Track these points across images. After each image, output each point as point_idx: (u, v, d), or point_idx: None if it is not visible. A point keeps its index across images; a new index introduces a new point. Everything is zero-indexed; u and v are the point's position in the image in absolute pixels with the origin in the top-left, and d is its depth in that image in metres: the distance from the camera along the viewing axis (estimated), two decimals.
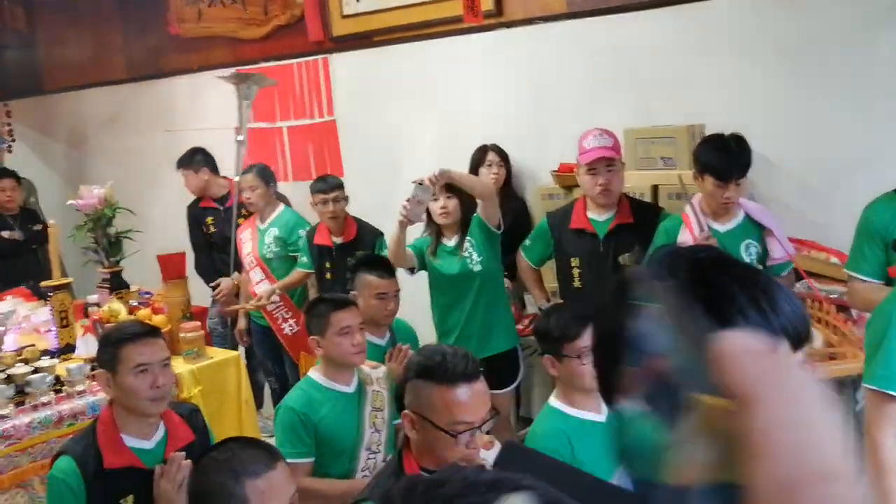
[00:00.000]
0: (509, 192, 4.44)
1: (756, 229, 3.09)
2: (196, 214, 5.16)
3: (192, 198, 5.22)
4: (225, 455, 1.64)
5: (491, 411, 1.82)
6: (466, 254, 3.57)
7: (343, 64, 5.35)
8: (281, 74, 5.66)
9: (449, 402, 1.74)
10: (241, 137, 5.04)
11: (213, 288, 4.88)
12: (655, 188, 3.69)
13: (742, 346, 0.63)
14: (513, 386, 3.78)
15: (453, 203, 3.55)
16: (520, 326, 4.03)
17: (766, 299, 0.83)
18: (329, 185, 4.16)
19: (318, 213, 4.18)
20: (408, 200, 3.32)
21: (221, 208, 5.10)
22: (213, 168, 5.16)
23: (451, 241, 3.63)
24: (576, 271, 3.46)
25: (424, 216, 3.50)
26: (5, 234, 5.59)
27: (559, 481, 0.93)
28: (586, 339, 2.19)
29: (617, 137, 3.42)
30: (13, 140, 6.57)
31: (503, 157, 4.36)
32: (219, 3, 5.94)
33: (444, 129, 4.89)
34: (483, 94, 4.71)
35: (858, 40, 3.42)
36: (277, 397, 4.90)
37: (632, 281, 0.86)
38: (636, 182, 3.68)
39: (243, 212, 4.97)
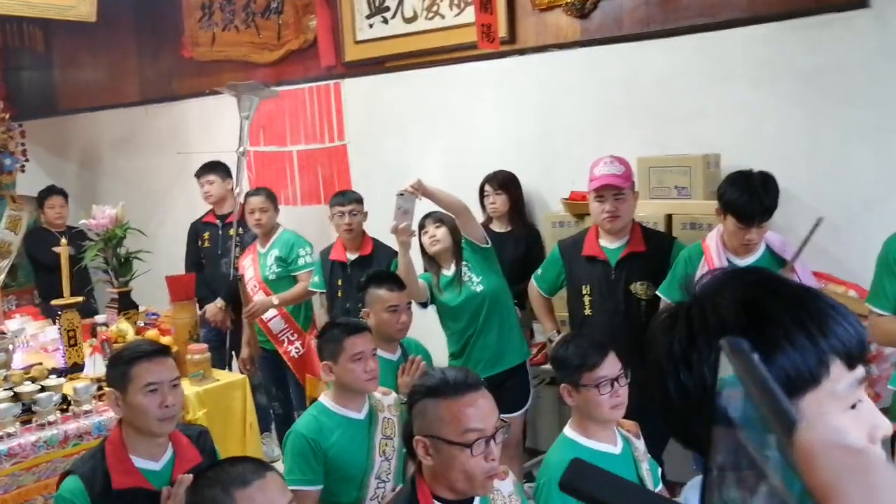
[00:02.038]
0: (521, 221, 4.42)
1: (777, 263, 3.05)
2: (197, 229, 5.17)
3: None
4: (214, 472, 1.63)
5: (501, 422, 1.80)
6: (466, 279, 3.57)
7: (355, 89, 5.37)
8: (292, 99, 5.69)
9: (457, 412, 1.73)
10: (241, 150, 5.06)
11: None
12: (669, 217, 3.67)
13: (828, 441, 0.59)
14: (523, 409, 3.75)
15: (442, 231, 3.57)
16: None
17: (815, 321, 0.81)
18: (347, 199, 4.18)
19: (334, 227, 4.17)
20: (394, 214, 3.42)
21: (220, 224, 5.10)
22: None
23: (449, 272, 3.63)
24: (587, 299, 3.44)
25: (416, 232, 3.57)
26: (56, 249, 5.64)
27: (627, 499, 0.90)
28: (605, 369, 2.17)
29: (629, 165, 3.41)
30: (27, 160, 6.58)
31: (503, 185, 4.34)
32: (233, 27, 5.99)
33: (455, 156, 4.89)
34: (494, 121, 4.71)
35: (877, 71, 3.40)
36: (281, 422, 4.86)
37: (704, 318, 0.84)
38: (650, 211, 3.66)
39: (240, 231, 4.97)
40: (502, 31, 4.35)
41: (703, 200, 3.60)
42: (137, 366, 2.19)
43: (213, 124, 6.02)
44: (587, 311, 3.42)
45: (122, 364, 2.21)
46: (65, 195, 6.01)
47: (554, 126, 4.46)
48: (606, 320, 3.29)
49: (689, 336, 0.85)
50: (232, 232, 4.99)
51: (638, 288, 3.32)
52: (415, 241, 3.69)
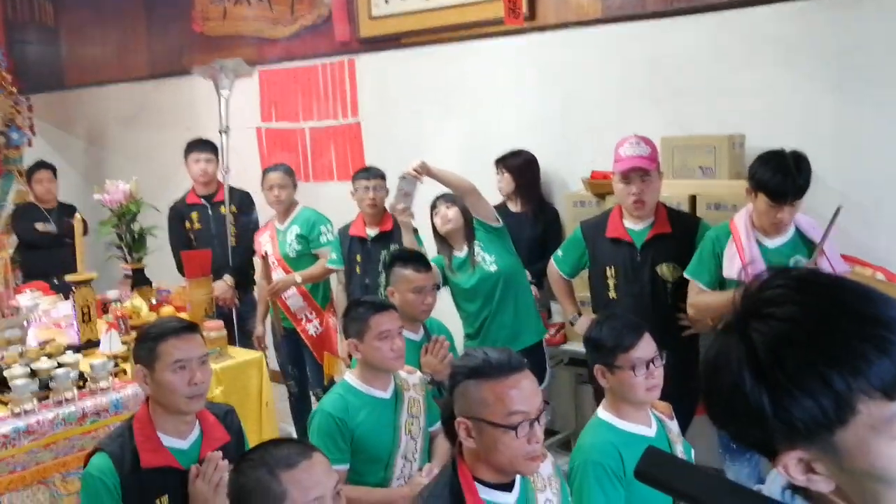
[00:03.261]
0: (537, 200, 4.38)
1: (807, 245, 2.99)
2: (181, 211, 5.05)
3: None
4: (259, 453, 1.59)
5: (544, 404, 1.77)
6: (479, 258, 3.53)
7: (369, 65, 5.30)
8: (306, 75, 5.63)
9: (501, 394, 1.70)
10: (223, 129, 4.99)
11: None
12: (693, 198, 3.62)
13: None
14: (542, 387, 3.71)
15: (453, 211, 3.54)
16: (546, 336, 3.97)
17: (845, 362, 0.79)
18: (371, 174, 4.13)
19: (357, 202, 4.12)
20: (395, 194, 3.48)
21: (208, 205, 5.03)
22: None
23: (461, 253, 3.59)
24: (611, 281, 3.40)
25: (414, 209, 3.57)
26: (39, 226, 5.58)
27: (704, 487, 0.87)
28: (640, 350, 2.13)
29: (655, 146, 3.35)
30: (34, 134, 6.53)
31: (507, 165, 4.33)
32: (245, 1, 5.91)
33: (473, 135, 4.84)
34: (513, 99, 4.65)
35: None
36: (296, 401, 4.84)
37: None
38: (673, 192, 3.61)
39: (232, 208, 4.91)
40: (523, 7, 4.28)
41: (728, 181, 3.55)
42: (165, 343, 2.15)
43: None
44: (611, 294, 3.38)
45: (149, 341, 2.17)
46: (53, 170, 5.83)
47: (574, 105, 4.41)
48: (632, 303, 3.24)
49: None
50: (224, 210, 4.93)
51: (664, 270, 3.28)
52: (427, 223, 3.68)
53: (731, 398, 0.85)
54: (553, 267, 3.68)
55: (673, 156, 3.73)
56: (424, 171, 3.37)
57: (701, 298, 3.12)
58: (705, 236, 3.16)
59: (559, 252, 3.67)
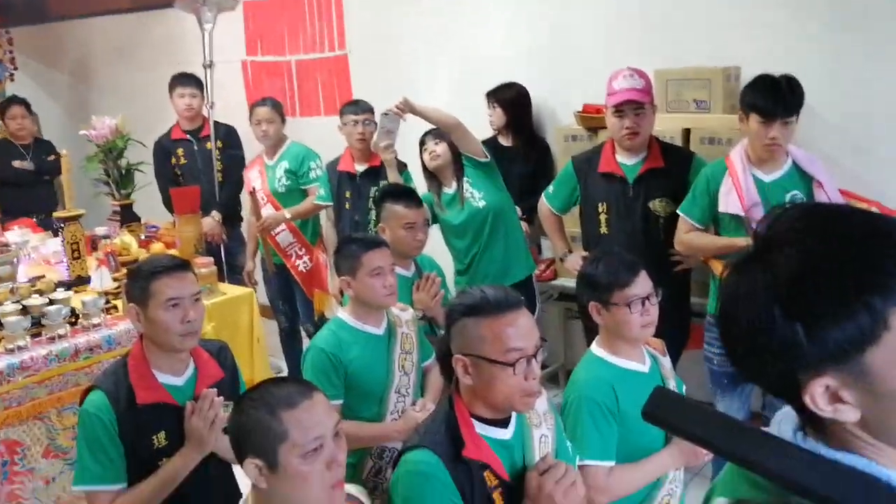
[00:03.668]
0: (529, 135, 4.34)
1: (804, 180, 2.96)
2: (167, 147, 4.99)
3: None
4: (259, 392, 1.59)
5: (541, 341, 1.77)
6: (468, 195, 3.51)
7: None
8: (292, 5, 5.49)
9: (499, 331, 1.70)
10: (207, 64, 4.89)
11: None
12: (687, 132, 3.59)
13: None
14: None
15: (441, 147, 3.50)
16: (536, 272, 3.98)
17: (870, 279, 0.80)
18: (361, 108, 4.05)
19: (346, 136, 4.05)
20: (377, 132, 3.52)
21: (193, 140, 4.96)
22: None
23: (450, 189, 3.57)
24: (602, 217, 3.38)
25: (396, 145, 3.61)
26: (16, 163, 5.49)
27: (714, 429, 0.87)
28: (636, 288, 2.13)
29: (649, 79, 3.30)
30: (15, 69, 6.38)
31: (498, 98, 4.28)
32: None
33: (463, 67, 4.76)
34: (503, 30, 4.57)
35: None
36: (286, 336, 4.86)
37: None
38: (667, 125, 3.57)
39: (218, 143, 4.85)
40: None
41: (723, 115, 3.52)
42: (157, 281, 2.13)
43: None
44: (603, 230, 3.37)
45: (141, 279, 2.15)
46: (27, 105, 5.70)
47: (565, 37, 4.33)
48: (624, 239, 3.23)
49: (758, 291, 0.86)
50: (209, 146, 4.86)
51: (657, 205, 3.27)
52: (417, 160, 3.64)
53: (755, 333, 0.85)
54: (544, 203, 3.66)
55: (667, 89, 3.69)
56: (407, 107, 3.33)
57: (690, 238, 3.12)
58: (700, 173, 3.14)
59: (550, 188, 3.64)
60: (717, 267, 3.07)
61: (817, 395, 0.84)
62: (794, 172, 2.97)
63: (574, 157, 3.58)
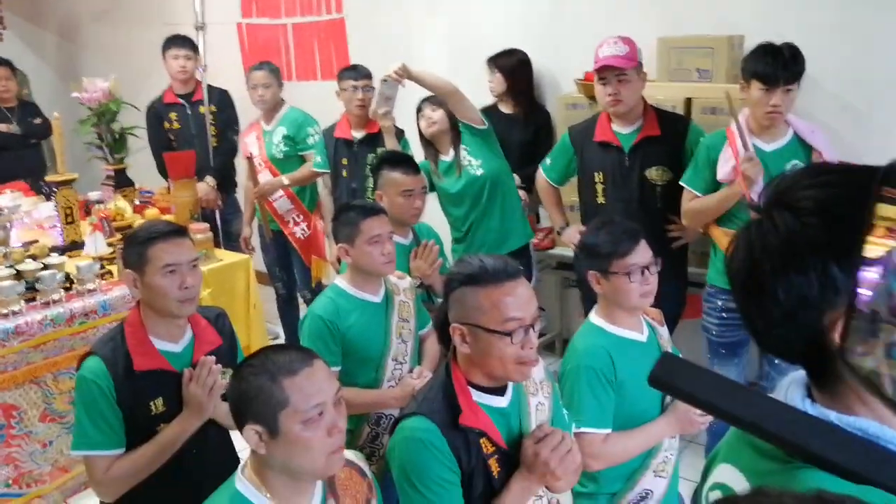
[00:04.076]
0: (530, 102, 4.30)
1: (804, 150, 2.96)
2: (160, 111, 4.92)
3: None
4: (260, 359, 1.58)
5: (539, 310, 1.77)
6: (465, 162, 3.48)
7: None
8: None
9: (497, 300, 1.69)
10: (199, 26, 4.82)
11: None
12: (689, 101, 3.55)
13: None
14: None
15: (438, 113, 3.46)
16: (534, 240, 3.97)
17: None
18: (360, 73, 3.98)
19: (344, 102, 4.00)
20: (375, 98, 3.51)
21: (186, 104, 4.89)
22: None
23: (447, 156, 3.54)
24: (599, 187, 3.37)
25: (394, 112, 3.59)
26: (2, 127, 5.39)
27: (722, 394, 0.86)
28: (636, 256, 2.12)
29: (635, 46, 3.23)
30: (4, 28, 6.27)
31: (498, 64, 4.23)
32: None
33: (461, 33, 4.70)
34: None
35: None
36: (284, 303, 4.86)
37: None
38: (669, 94, 3.54)
39: (211, 108, 4.79)
40: None
41: (726, 84, 3.48)
42: (154, 246, 2.11)
43: None
44: (600, 200, 3.36)
45: (138, 245, 2.13)
46: (11, 66, 5.52)
47: (567, 4, 4.28)
48: (621, 208, 3.22)
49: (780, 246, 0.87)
50: (203, 109, 4.81)
51: (653, 174, 3.25)
52: (414, 128, 3.60)
53: (783, 280, 0.86)
54: (541, 175, 3.64)
55: (669, 57, 3.64)
56: (405, 73, 3.30)
57: (692, 205, 3.11)
58: (700, 144, 3.12)
59: (547, 160, 3.62)
60: (722, 240, 3.05)
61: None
62: (794, 142, 2.96)
63: (570, 127, 3.56)
